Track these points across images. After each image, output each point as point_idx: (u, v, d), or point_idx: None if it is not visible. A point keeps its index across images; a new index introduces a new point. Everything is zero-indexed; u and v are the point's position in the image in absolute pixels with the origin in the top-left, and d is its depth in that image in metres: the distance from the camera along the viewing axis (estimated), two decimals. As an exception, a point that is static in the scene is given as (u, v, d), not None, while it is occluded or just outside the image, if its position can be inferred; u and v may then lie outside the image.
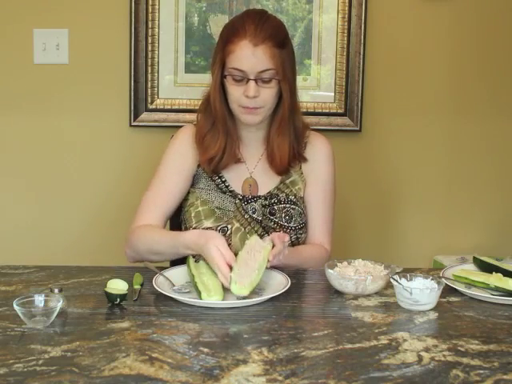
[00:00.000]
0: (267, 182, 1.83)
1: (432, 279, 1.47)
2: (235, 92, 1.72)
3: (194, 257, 1.63)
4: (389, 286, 1.51)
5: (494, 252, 2.51)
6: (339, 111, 2.62)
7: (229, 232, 1.77)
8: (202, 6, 2.56)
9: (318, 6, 2.57)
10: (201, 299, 1.41)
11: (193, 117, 2.54)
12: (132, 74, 2.55)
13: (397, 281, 1.46)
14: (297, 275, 1.63)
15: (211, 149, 1.78)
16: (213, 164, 1.79)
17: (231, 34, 1.71)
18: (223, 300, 1.41)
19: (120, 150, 2.62)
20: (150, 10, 2.52)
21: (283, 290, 1.47)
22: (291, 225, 1.80)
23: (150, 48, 2.55)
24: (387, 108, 2.67)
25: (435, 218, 2.75)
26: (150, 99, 2.58)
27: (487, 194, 2.74)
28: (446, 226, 2.76)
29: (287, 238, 1.58)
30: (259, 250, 1.53)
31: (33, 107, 2.57)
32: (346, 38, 2.58)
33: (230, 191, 1.81)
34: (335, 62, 2.59)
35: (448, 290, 1.52)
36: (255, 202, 1.80)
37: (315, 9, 2.57)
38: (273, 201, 1.81)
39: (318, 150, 1.87)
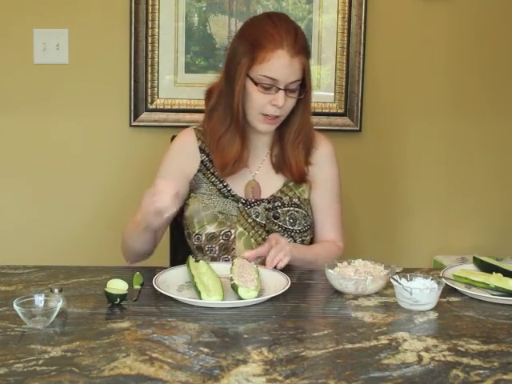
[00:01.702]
0: (270, 184, 1.82)
1: (432, 279, 1.47)
2: (261, 99, 1.69)
3: (193, 257, 1.63)
4: (389, 285, 1.51)
5: (494, 252, 2.51)
6: (339, 111, 2.62)
7: (233, 236, 1.76)
8: (202, 6, 2.56)
9: (318, 6, 2.57)
10: (201, 299, 1.41)
11: (193, 117, 2.58)
12: (132, 74, 2.55)
13: (397, 281, 1.46)
14: (297, 275, 1.63)
15: (227, 153, 1.75)
16: (227, 170, 1.76)
17: (264, 39, 1.66)
18: (223, 300, 1.41)
19: (120, 150, 2.62)
20: (150, 9, 2.52)
21: (283, 290, 1.47)
22: (295, 228, 1.79)
23: (150, 48, 2.55)
24: (387, 108, 2.67)
25: (435, 218, 2.75)
26: (150, 99, 2.58)
27: (487, 194, 2.74)
28: (446, 226, 2.76)
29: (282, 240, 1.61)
30: (249, 265, 1.55)
31: (33, 107, 2.57)
32: (345, 38, 2.58)
33: (233, 195, 1.79)
34: (335, 61, 2.59)
35: (448, 290, 1.52)
36: (258, 205, 1.79)
37: (315, 9, 2.57)
38: (276, 204, 1.80)
39: (321, 152, 1.86)
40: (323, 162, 1.86)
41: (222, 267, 1.59)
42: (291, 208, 1.80)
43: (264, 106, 1.70)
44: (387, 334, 1.29)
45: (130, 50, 2.54)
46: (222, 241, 1.76)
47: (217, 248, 1.76)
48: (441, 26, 2.63)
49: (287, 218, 1.79)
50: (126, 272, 1.61)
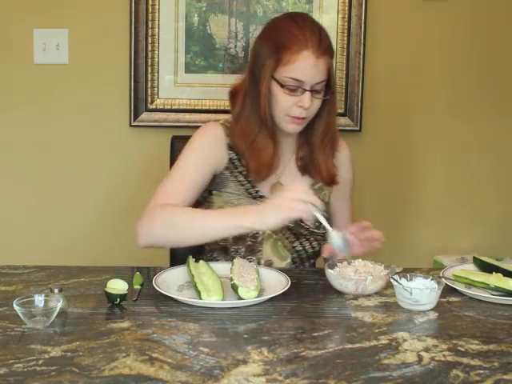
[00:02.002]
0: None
1: (432, 279, 1.47)
2: (287, 101, 1.66)
3: (193, 257, 1.63)
4: (389, 285, 1.51)
5: (494, 252, 2.51)
6: (339, 111, 2.62)
7: (260, 238, 1.74)
8: (202, 6, 2.56)
9: (318, 6, 2.57)
10: (201, 299, 1.41)
11: (193, 117, 2.58)
12: (132, 74, 2.55)
13: (397, 281, 1.46)
14: (297, 275, 1.63)
15: (263, 157, 1.72)
16: (262, 173, 1.73)
17: (289, 40, 1.64)
18: (223, 300, 1.41)
19: (120, 150, 2.62)
20: (150, 9, 2.52)
21: (283, 290, 1.47)
22: (320, 231, 1.78)
23: (150, 48, 2.55)
24: (387, 108, 2.67)
25: (435, 218, 2.75)
26: (150, 99, 2.58)
27: (487, 194, 2.75)
28: (446, 226, 2.76)
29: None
30: (249, 265, 1.55)
31: (33, 107, 2.57)
32: (345, 38, 2.58)
33: (260, 196, 1.76)
34: (335, 62, 2.59)
35: (448, 290, 1.52)
36: None
37: (315, 9, 2.57)
38: None
39: (342, 156, 1.86)
40: (343, 164, 1.86)
41: (221, 267, 1.59)
42: None
43: (290, 108, 1.67)
44: (387, 334, 1.29)
45: (129, 50, 2.54)
46: (249, 242, 1.74)
47: (243, 249, 1.74)
48: (440, 26, 2.63)
49: (313, 221, 1.77)
50: (126, 272, 1.61)
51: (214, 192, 1.78)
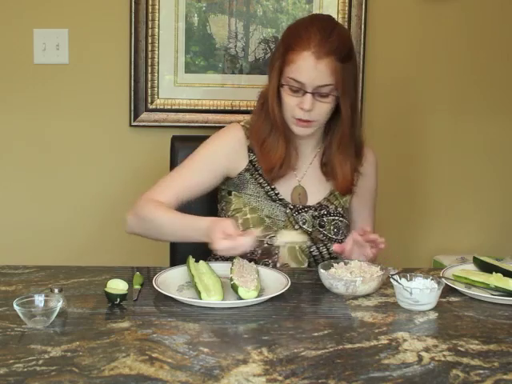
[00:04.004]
0: (316, 191, 1.79)
1: (432, 279, 1.47)
2: (290, 102, 1.67)
3: (193, 257, 1.63)
4: (389, 286, 1.51)
5: (494, 252, 2.51)
6: (339, 111, 2.62)
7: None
8: (202, 6, 2.56)
9: (318, 6, 2.57)
10: (201, 299, 1.41)
11: (193, 117, 2.58)
12: (132, 74, 2.55)
13: (397, 281, 1.46)
14: (297, 275, 1.63)
15: (272, 156, 1.72)
16: (273, 173, 1.73)
17: (294, 41, 1.64)
18: (223, 300, 1.41)
19: (120, 150, 2.62)
20: (150, 9, 2.52)
21: (283, 290, 1.47)
22: (338, 237, 1.78)
23: (150, 48, 2.55)
24: (387, 108, 2.66)
25: (435, 217, 2.75)
26: (150, 99, 2.58)
27: (487, 193, 2.74)
28: (446, 226, 2.76)
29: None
30: (249, 265, 1.55)
31: (33, 107, 2.57)
32: (346, 38, 2.57)
33: (280, 199, 1.76)
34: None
35: (448, 290, 1.52)
36: (306, 212, 1.76)
37: (315, 9, 2.57)
38: (322, 212, 1.78)
39: (368, 163, 1.85)
40: (369, 172, 1.86)
41: (222, 267, 1.59)
42: (336, 217, 1.79)
43: (293, 109, 1.67)
44: (387, 334, 1.29)
45: (129, 50, 2.53)
46: (266, 245, 1.74)
47: (259, 251, 1.73)
48: (441, 25, 2.62)
49: (332, 227, 1.77)
50: (126, 272, 1.61)
51: (233, 193, 1.78)
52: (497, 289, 1.51)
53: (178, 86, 2.59)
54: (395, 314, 1.40)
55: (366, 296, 1.50)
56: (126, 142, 2.61)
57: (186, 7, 2.55)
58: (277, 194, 1.76)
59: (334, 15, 2.57)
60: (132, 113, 2.57)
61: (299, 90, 1.64)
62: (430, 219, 2.75)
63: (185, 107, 2.59)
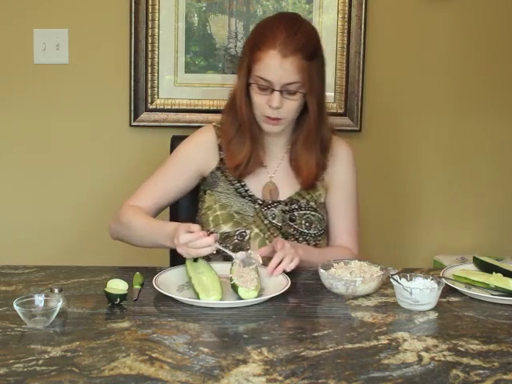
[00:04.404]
0: (288, 186, 1.81)
1: (432, 279, 1.47)
2: (259, 100, 1.69)
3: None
4: (389, 285, 1.51)
5: (494, 252, 2.51)
6: (339, 111, 2.62)
7: (247, 237, 1.76)
8: (202, 6, 2.56)
9: (318, 6, 2.57)
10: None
11: (193, 116, 2.58)
12: (132, 74, 2.55)
13: (397, 281, 1.46)
14: (297, 275, 1.63)
15: (238, 154, 1.75)
16: (239, 170, 1.76)
17: (260, 40, 1.66)
18: (222, 299, 1.41)
19: (120, 150, 2.62)
20: (150, 9, 2.52)
21: (283, 290, 1.47)
22: (311, 232, 1.79)
23: (150, 48, 2.55)
24: (387, 108, 2.66)
25: (435, 217, 2.75)
26: (150, 99, 2.58)
27: (487, 193, 2.74)
28: (446, 226, 2.76)
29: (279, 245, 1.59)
30: (250, 264, 1.54)
31: (33, 107, 2.57)
32: (345, 38, 2.58)
33: (250, 196, 1.79)
34: (335, 62, 2.59)
35: (448, 290, 1.52)
36: (275, 207, 1.78)
37: (315, 9, 2.57)
38: (293, 207, 1.79)
39: (339, 157, 1.85)
40: (341, 166, 1.85)
41: (222, 267, 1.59)
42: (308, 211, 1.80)
43: (262, 107, 1.69)
44: (387, 334, 1.29)
45: (129, 50, 2.53)
46: (236, 241, 1.76)
47: (231, 248, 1.75)
48: (441, 25, 2.62)
49: (303, 222, 1.79)
50: (126, 272, 1.61)
51: (207, 191, 1.82)
52: (497, 289, 1.51)
53: (178, 86, 2.59)
54: (395, 313, 1.40)
55: (366, 296, 1.50)
56: (126, 142, 2.61)
57: (186, 7, 2.55)
58: (246, 191, 1.79)
59: (334, 15, 2.57)
60: (132, 113, 2.57)
61: (267, 88, 1.67)
62: (431, 219, 2.75)
63: (185, 107, 2.59)
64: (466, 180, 2.73)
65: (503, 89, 2.68)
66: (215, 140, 1.81)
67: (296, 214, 1.79)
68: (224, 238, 1.76)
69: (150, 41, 2.54)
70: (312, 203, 1.81)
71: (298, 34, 1.66)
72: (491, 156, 2.73)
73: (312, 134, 1.76)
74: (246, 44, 1.75)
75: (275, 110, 1.68)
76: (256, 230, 1.76)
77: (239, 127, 1.76)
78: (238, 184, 1.79)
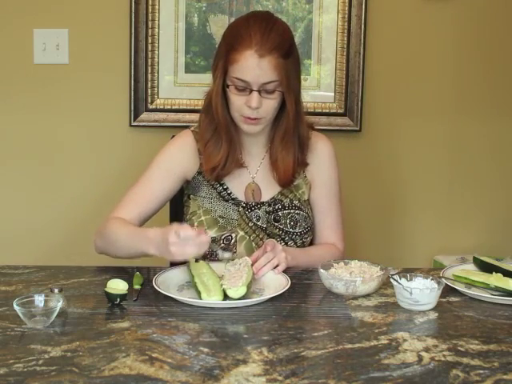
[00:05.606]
0: (270, 186, 1.80)
1: (432, 279, 1.47)
2: (237, 101, 1.68)
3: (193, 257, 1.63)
4: (389, 286, 1.51)
5: (494, 252, 2.51)
6: (339, 111, 2.63)
7: (233, 241, 1.75)
8: (202, 6, 2.56)
9: (318, 6, 2.57)
10: (201, 299, 1.41)
11: (193, 116, 2.56)
12: (132, 74, 2.55)
13: (397, 281, 1.46)
14: (297, 275, 1.63)
15: (214, 157, 1.74)
16: (215, 172, 1.75)
17: (235, 40, 1.65)
18: (223, 300, 1.41)
19: (120, 150, 2.62)
20: (150, 9, 2.52)
21: (283, 290, 1.47)
22: (296, 230, 1.79)
23: (150, 48, 2.55)
24: (387, 108, 2.67)
25: (435, 217, 2.75)
26: (150, 99, 2.58)
27: (487, 193, 2.75)
28: (446, 226, 2.76)
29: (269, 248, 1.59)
30: (243, 264, 1.55)
31: (33, 107, 2.58)
32: (345, 38, 2.58)
33: (233, 199, 1.78)
34: (335, 62, 2.59)
35: (448, 290, 1.52)
36: (259, 208, 1.78)
37: (315, 9, 2.57)
38: (277, 207, 1.79)
39: (320, 153, 1.84)
40: (322, 162, 1.85)
41: (222, 267, 1.59)
42: (292, 210, 1.79)
43: (241, 108, 1.68)
44: (387, 334, 1.29)
45: (129, 50, 2.54)
46: (222, 245, 1.75)
47: (218, 251, 1.74)
48: (441, 25, 2.63)
49: (288, 221, 1.78)
50: (126, 272, 1.61)
51: (191, 196, 1.81)
52: (497, 289, 1.51)
53: (178, 86, 2.59)
54: (395, 313, 1.40)
55: (366, 296, 1.50)
56: (126, 142, 2.62)
57: (185, 7, 2.55)
58: (229, 194, 1.78)
59: (334, 15, 2.57)
60: (132, 113, 2.58)
61: (245, 88, 1.65)
62: (431, 219, 2.75)
63: (185, 107, 2.59)
64: (466, 180, 2.73)
65: (503, 89, 2.68)
66: (195, 144, 1.80)
67: (280, 213, 1.79)
68: (211, 242, 1.73)
69: (150, 41, 2.54)
70: (296, 202, 1.80)
71: (272, 33, 1.65)
72: (491, 156, 2.73)
73: (289, 132, 1.76)
74: (220, 45, 1.72)
75: (254, 110, 1.66)
76: (241, 233, 1.75)
77: (215, 129, 1.74)
78: (221, 187, 1.78)
